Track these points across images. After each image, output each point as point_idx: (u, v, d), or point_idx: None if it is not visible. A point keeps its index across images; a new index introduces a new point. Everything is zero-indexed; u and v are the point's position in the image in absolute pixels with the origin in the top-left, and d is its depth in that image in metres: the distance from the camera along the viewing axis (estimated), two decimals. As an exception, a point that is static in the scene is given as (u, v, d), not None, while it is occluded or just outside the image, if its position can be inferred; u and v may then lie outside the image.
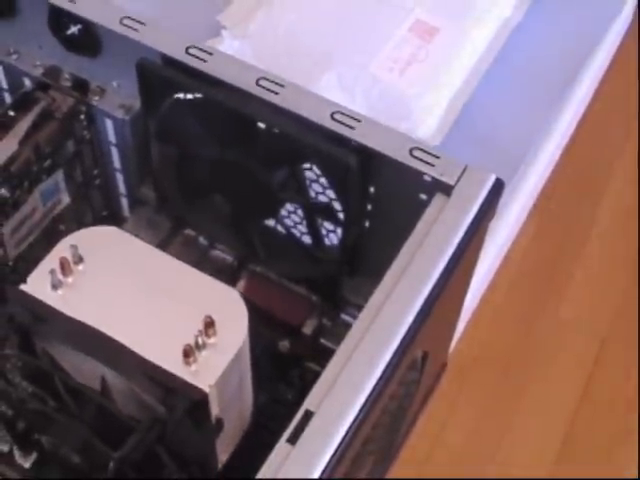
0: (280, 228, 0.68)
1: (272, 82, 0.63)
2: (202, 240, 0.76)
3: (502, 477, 1.30)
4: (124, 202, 0.78)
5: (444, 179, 0.59)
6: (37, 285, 0.57)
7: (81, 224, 0.76)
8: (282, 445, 0.50)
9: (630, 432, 1.35)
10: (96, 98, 0.71)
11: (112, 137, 0.72)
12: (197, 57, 0.64)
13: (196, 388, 0.54)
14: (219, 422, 0.58)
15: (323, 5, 0.97)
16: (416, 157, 0.60)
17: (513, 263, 1.41)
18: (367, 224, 0.66)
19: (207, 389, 0.54)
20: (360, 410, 0.51)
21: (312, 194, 0.64)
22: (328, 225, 0.66)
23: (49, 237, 0.72)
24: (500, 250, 1.00)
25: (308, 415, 0.51)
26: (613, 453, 1.34)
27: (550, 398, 1.38)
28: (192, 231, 0.75)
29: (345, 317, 0.71)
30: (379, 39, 0.94)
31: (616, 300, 1.48)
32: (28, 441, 0.60)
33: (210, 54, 0.64)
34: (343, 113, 0.61)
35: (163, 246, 0.73)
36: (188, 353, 0.54)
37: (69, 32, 0.69)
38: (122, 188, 0.77)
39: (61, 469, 0.59)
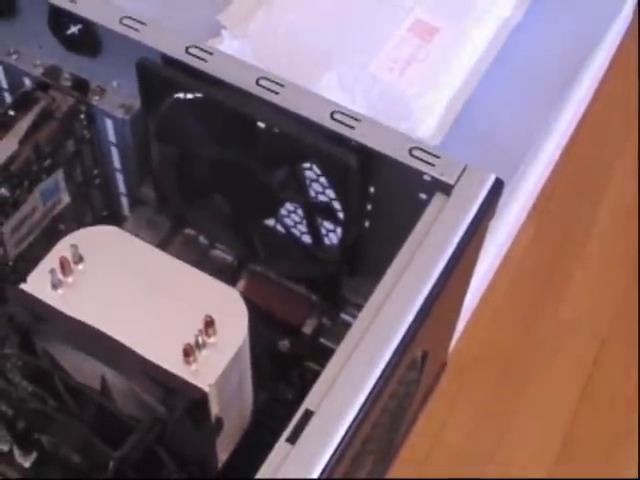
0: (280, 228, 0.68)
1: (272, 82, 0.63)
2: (202, 240, 0.76)
3: (502, 477, 1.30)
4: (124, 202, 0.78)
5: (444, 179, 0.59)
6: (37, 284, 0.57)
7: (81, 224, 0.76)
8: (282, 445, 0.50)
9: (630, 432, 1.35)
10: (96, 98, 0.71)
11: (112, 137, 0.72)
12: (197, 57, 0.64)
13: (196, 387, 0.54)
14: (219, 421, 0.58)
15: (323, 5, 0.97)
16: (416, 157, 0.60)
17: (513, 263, 1.42)
18: (367, 224, 0.66)
19: (207, 388, 0.54)
20: (360, 409, 0.51)
21: (312, 194, 0.64)
22: (328, 225, 0.66)
23: (49, 237, 0.72)
24: (500, 250, 1.00)
25: (308, 414, 0.51)
26: (613, 453, 1.34)
27: (550, 398, 1.38)
28: (192, 231, 0.75)
29: (345, 317, 0.71)
30: (379, 39, 0.94)
31: (616, 300, 1.48)
32: (28, 441, 0.60)
33: (210, 54, 0.64)
34: (343, 113, 0.61)
35: (163, 246, 0.73)
36: (188, 352, 0.54)
37: (69, 32, 0.69)
38: (122, 188, 0.77)
39: (61, 469, 0.59)
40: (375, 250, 0.65)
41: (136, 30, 0.65)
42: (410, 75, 0.92)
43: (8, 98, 0.75)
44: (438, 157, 0.60)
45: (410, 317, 0.54)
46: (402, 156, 0.60)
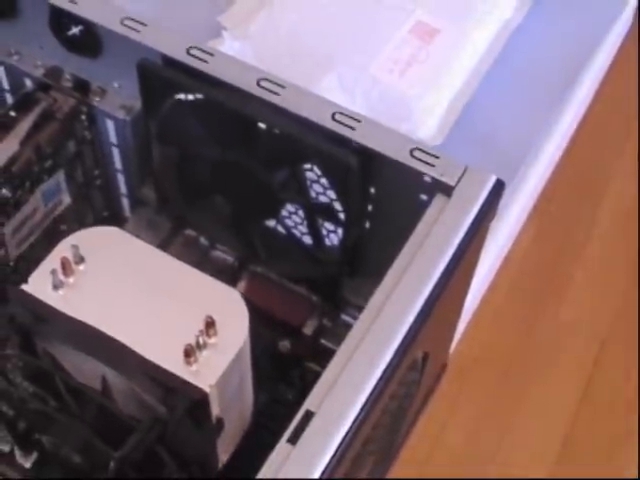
0: (281, 228, 0.68)
1: (273, 83, 0.63)
2: (203, 240, 0.76)
3: (502, 477, 1.30)
4: (125, 202, 0.78)
5: (444, 180, 0.59)
6: (38, 285, 0.57)
7: (82, 224, 0.76)
8: (283, 445, 0.50)
9: (630, 433, 1.35)
10: (97, 99, 0.71)
11: (113, 138, 0.72)
12: (198, 58, 0.64)
13: (197, 388, 0.54)
14: (219, 422, 0.58)
15: (323, 6, 0.97)
16: (416, 158, 0.60)
17: (513, 264, 1.42)
18: (368, 225, 0.66)
19: (208, 389, 0.54)
20: (360, 410, 0.51)
21: (313, 194, 0.64)
22: (329, 225, 0.66)
23: (50, 237, 0.72)
24: (500, 251, 1.00)
25: (308, 415, 0.51)
26: (613, 454, 1.34)
27: (550, 399, 1.38)
28: (193, 231, 0.76)
29: (345, 317, 0.71)
30: (379, 40, 0.94)
31: (616, 301, 1.48)
32: (29, 441, 0.60)
33: (211, 55, 0.64)
34: (344, 114, 0.62)
35: (164, 246, 0.73)
36: (189, 353, 0.54)
37: (70, 33, 0.69)
38: (123, 188, 0.77)
39: (62, 469, 0.59)
40: (376, 251, 0.65)
41: (137, 31, 0.65)
42: (411, 76, 0.92)
43: (9, 99, 0.75)
44: (439, 158, 0.60)
45: (411, 318, 0.54)
46: (403, 157, 0.60)
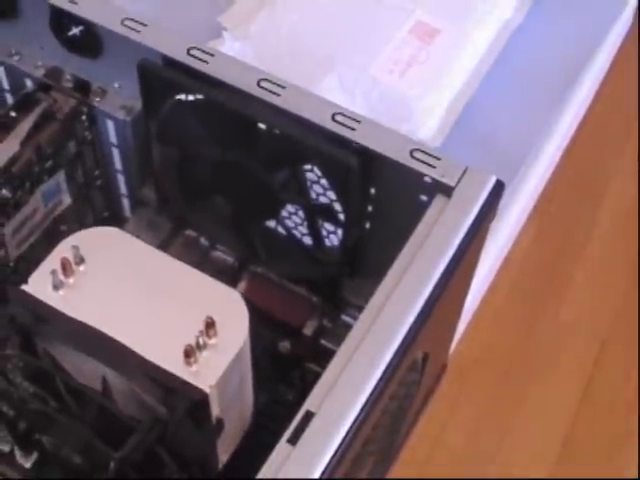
0: (281, 229, 0.68)
1: (273, 83, 0.63)
2: (203, 241, 0.76)
3: (502, 477, 1.30)
4: (125, 203, 0.78)
5: (445, 180, 0.59)
6: (38, 285, 0.57)
7: (82, 225, 0.76)
8: (283, 445, 0.50)
9: (630, 434, 1.35)
10: (97, 99, 0.71)
11: (113, 138, 0.72)
12: (198, 58, 0.64)
13: (197, 388, 0.54)
14: (220, 422, 0.58)
15: (324, 7, 0.97)
16: (417, 158, 0.60)
17: (514, 264, 1.41)
18: (368, 225, 0.66)
19: (208, 389, 0.54)
20: (360, 411, 0.51)
21: (313, 195, 0.64)
22: (329, 226, 0.66)
23: (50, 238, 0.72)
24: (500, 251, 1.00)
25: (309, 416, 0.51)
26: (613, 455, 1.34)
27: (550, 400, 1.38)
28: (193, 232, 0.76)
29: (346, 318, 0.71)
30: (380, 41, 0.94)
31: (616, 302, 1.48)
32: (29, 441, 0.60)
33: (211, 55, 0.64)
34: (344, 114, 0.62)
35: (164, 247, 0.73)
36: (189, 353, 0.54)
37: (70, 33, 0.69)
38: (123, 189, 0.77)
39: (62, 469, 0.60)
40: (376, 252, 0.65)
41: (137, 31, 0.65)
42: (411, 77, 0.92)
43: (10, 99, 0.75)
44: (439, 159, 0.60)
45: (411, 319, 0.55)
46: (403, 158, 0.60)
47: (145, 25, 0.66)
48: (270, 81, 0.63)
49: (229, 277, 0.72)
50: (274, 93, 0.63)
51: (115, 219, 0.79)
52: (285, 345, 0.71)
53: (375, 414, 0.54)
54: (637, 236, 1.54)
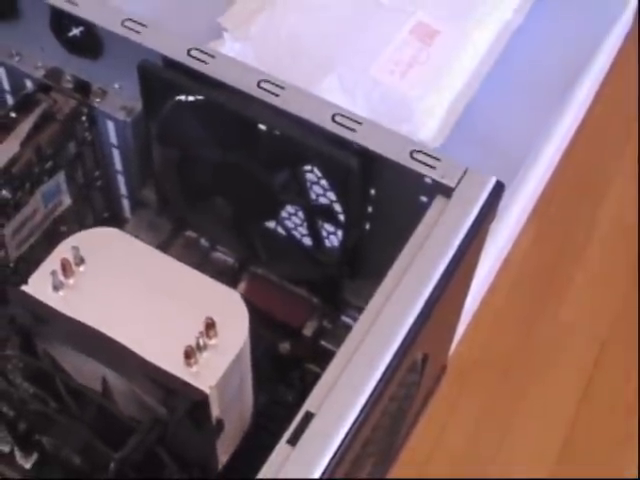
0: (281, 230, 0.68)
1: (273, 84, 0.63)
2: (203, 242, 0.76)
3: (502, 478, 1.30)
4: (125, 204, 0.78)
5: (445, 181, 0.59)
6: (38, 286, 0.57)
7: (82, 225, 0.76)
8: (282, 446, 0.50)
9: (630, 436, 1.35)
10: (97, 100, 0.71)
11: (113, 139, 0.72)
12: (198, 59, 0.64)
13: (197, 389, 0.54)
14: (219, 423, 0.58)
15: (325, 8, 0.97)
16: (417, 159, 0.60)
17: (513, 266, 1.41)
18: (368, 226, 0.66)
19: (208, 390, 0.54)
20: (360, 412, 0.51)
21: (313, 196, 0.64)
22: (329, 227, 0.66)
23: (50, 238, 0.72)
24: (500, 252, 1.00)
25: (308, 417, 0.51)
26: (613, 456, 1.34)
27: (550, 401, 1.38)
28: (193, 233, 0.76)
29: (345, 319, 0.72)
30: (380, 42, 0.94)
31: (616, 303, 1.48)
32: (29, 442, 0.60)
33: (211, 56, 0.64)
34: (344, 115, 0.62)
35: (164, 248, 0.73)
36: (189, 354, 0.54)
37: (71, 34, 0.69)
38: (123, 190, 0.77)
39: (62, 470, 0.60)
40: (376, 252, 0.65)
41: (137, 32, 0.65)
42: (411, 78, 0.92)
43: (10, 100, 0.75)
44: (439, 160, 0.60)
45: (410, 320, 0.55)
46: (403, 159, 0.60)
47: (145, 26, 0.66)
48: (270, 82, 0.63)
49: (229, 278, 0.72)
50: (274, 94, 0.63)
51: (115, 220, 0.79)
52: (285, 346, 0.71)
53: (375, 415, 0.54)
54: (637, 238, 1.54)
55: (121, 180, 0.76)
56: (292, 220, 0.67)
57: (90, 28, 0.68)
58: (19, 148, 0.68)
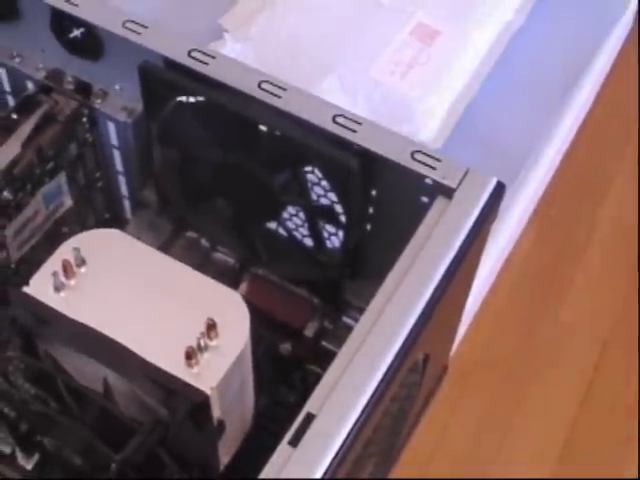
0: (282, 231, 0.68)
1: (274, 85, 0.63)
2: (204, 243, 0.76)
3: (503, 478, 1.30)
4: (126, 205, 0.78)
5: (446, 182, 0.59)
6: (39, 287, 0.57)
7: (83, 226, 0.76)
8: (284, 447, 0.50)
9: (630, 438, 1.35)
10: (98, 101, 0.71)
11: (114, 140, 0.72)
12: (199, 60, 0.64)
13: (198, 390, 0.54)
14: (221, 424, 0.58)
15: (325, 8, 0.97)
16: (418, 160, 0.60)
17: (514, 266, 1.41)
18: (369, 227, 0.66)
19: (209, 391, 0.54)
20: (361, 413, 0.51)
21: (314, 197, 0.64)
22: (330, 228, 0.66)
23: (51, 239, 0.72)
24: (501, 253, 1.01)
25: (309, 418, 0.51)
26: (613, 457, 1.34)
27: (551, 402, 1.38)
28: (194, 234, 0.76)
29: (347, 320, 0.72)
30: (380, 42, 0.94)
31: (617, 304, 1.48)
32: (30, 443, 0.60)
33: (212, 57, 0.64)
34: (345, 116, 0.62)
35: (165, 249, 0.73)
36: (190, 355, 0.54)
37: (72, 35, 0.69)
38: (124, 191, 0.77)
39: (63, 471, 0.60)
40: (377, 253, 0.65)
41: (138, 33, 0.65)
42: (412, 78, 0.92)
43: (11, 101, 0.75)
44: (440, 161, 0.60)
45: (412, 320, 0.55)
46: (404, 160, 0.60)
47: (146, 27, 0.66)
48: (271, 83, 0.63)
49: (230, 279, 0.72)
50: (275, 95, 0.63)
51: (116, 221, 0.79)
52: (286, 347, 0.71)
53: (376, 416, 0.54)
54: (637, 239, 1.54)
55: (122, 181, 0.76)
56: (293, 221, 0.67)
57: (91, 29, 0.68)
58: (20, 149, 0.68)
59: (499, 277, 1.05)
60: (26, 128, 0.69)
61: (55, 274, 0.57)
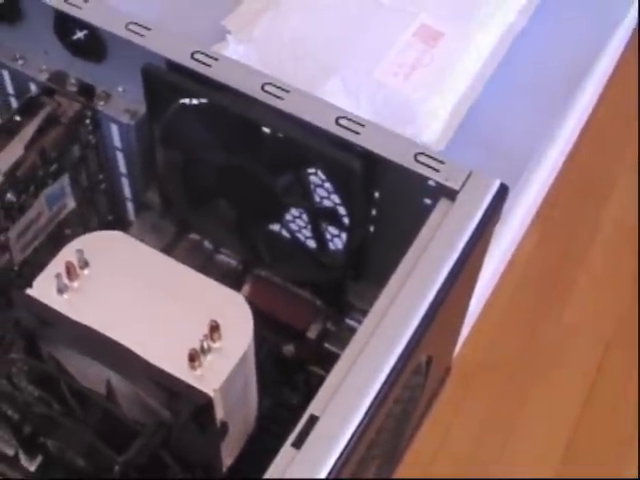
0: (285, 233, 0.68)
1: (277, 87, 0.63)
2: (207, 244, 0.76)
3: (506, 478, 1.30)
4: (129, 207, 0.78)
5: (449, 184, 0.59)
6: (43, 289, 0.57)
7: (86, 228, 0.76)
8: (287, 449, 0.50)
9: (633, 438, 1.35)
10: (101, 103, 0.71)
11: (117, 142, 0.72)
12: (202, 62, 0.64)
13: (201, 392, 0.54)
14: (224, 426, 0.58)
15: (328, 10, 0.97)
16: (421, 162, 0.60)
17: (517, 268, 1.41)
18: (372, 229, 0.66)
19: (212, 393, 0.54)
20: (365, 414, 0.51)
21: (317, 199, 0.64)
22: (333, 230, 0.66)
23: (55, 241, 0.72)
24: (504, 255, 1.00)
25: (313, 419, 0.51)
26: (616, 457, 1.34)
27: (554, 402, 1.38)
28: (197, 236, 0.76)
29: (350, 322, 0.71)
30: (384, 44, 0.94)
31: (620, 305, 1.48)
32: (34, 445, 0.60)
33: (215, 59, 0.64)
34: (348, 118, 0.62)
35: (168, 250, 0.73)
36: (193, 357, 0.54)
37: (75, 37, 0.69)
38: (127, 193, 0.77)
39: (66, 472, 0.60)
40: (380, 255, 0.65)
41: (141, 35, 0.66)
42: (415, 80, 0.92)
43: (14, 103, 0.75)
44: (443, 163, 0.60)
45: (415, 322, 0.55)
46: (407, 161, 0.60)
47: (149, 29, 0.66)
48: (274, 85, 0.63)
49: (233, 280, 0.72)
50: (278, 97, 0.63)
51: (119, 223, 0.79)
52: (289, 348, 0.71)
53: (379, 418, 0.54)
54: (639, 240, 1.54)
55: (125, 183, 0.76)
56: (296, 223, 0.67)
57: (94, 31, 0.68)
58: (23, 151, 0.68)
59: (502, 279, 1.05)
60: (29, 130, 0.69)
61: (58, 276, 0.57)
